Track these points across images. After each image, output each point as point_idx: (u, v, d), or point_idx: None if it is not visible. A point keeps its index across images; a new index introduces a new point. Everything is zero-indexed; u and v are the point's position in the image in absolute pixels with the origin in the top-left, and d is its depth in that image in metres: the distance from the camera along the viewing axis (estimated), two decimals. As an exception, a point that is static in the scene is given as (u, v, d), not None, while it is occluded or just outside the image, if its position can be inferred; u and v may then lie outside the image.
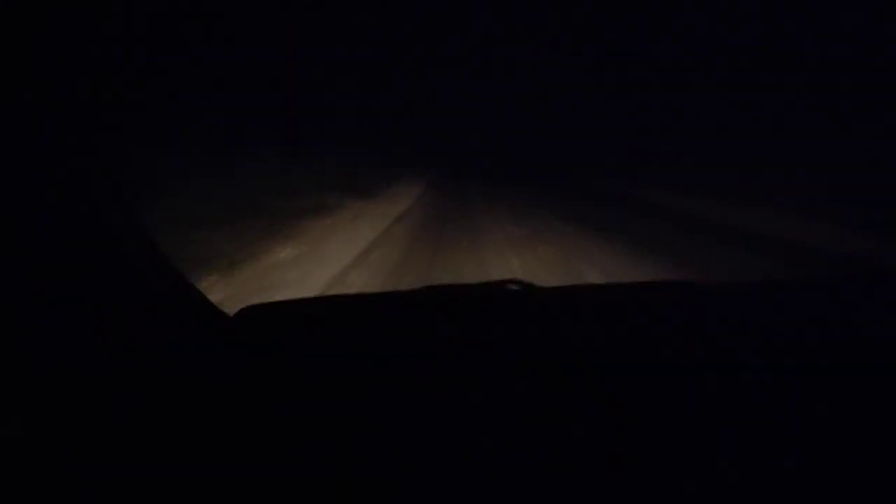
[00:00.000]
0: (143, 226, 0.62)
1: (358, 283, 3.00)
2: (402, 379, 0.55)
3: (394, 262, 3.57)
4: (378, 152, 12.34)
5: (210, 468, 0.43)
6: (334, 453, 0.44)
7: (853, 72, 7.90)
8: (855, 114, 7.58)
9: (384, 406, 0.51)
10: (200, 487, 0.41)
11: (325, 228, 4.79)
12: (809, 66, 8.70)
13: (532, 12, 20.32)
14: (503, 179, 12.38)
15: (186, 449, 0.45)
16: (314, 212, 5.43)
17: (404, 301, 0.85)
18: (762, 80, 9.86)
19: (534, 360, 0.60)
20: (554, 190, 10.02)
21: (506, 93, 22.86)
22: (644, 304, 0.83)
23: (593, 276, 3.13)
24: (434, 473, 0.42)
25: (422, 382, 0.55)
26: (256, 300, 0.78)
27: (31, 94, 0.50)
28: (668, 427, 0.47)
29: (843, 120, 7.72)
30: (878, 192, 5.54)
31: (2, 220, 0.46)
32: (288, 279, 2.97)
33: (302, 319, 0.77)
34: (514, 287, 0.87)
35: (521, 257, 3.65)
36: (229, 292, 2.67)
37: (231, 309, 0.77)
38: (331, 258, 3.61)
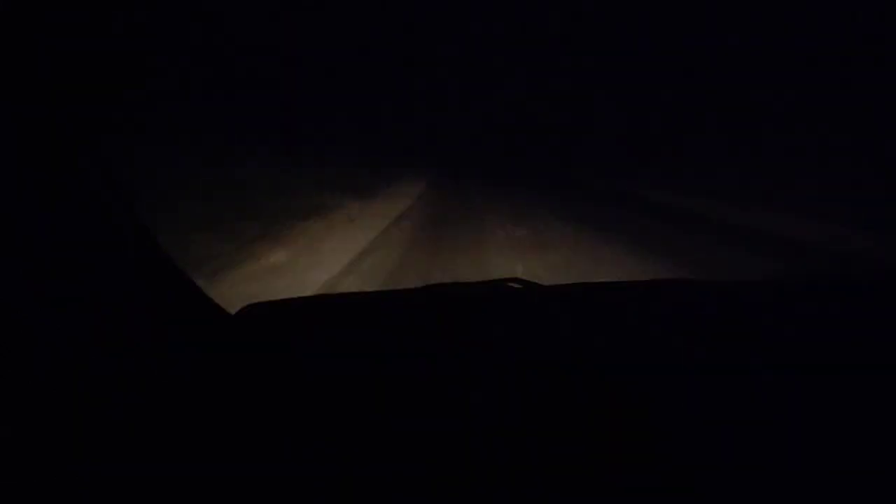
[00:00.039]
0: (143, 224, 0.62)
1: (352, 292, 2.90)
2: (402, 378, 0.55)
3: (390, 266, 3.45)
4: (378, 152, 12.34)
5: (210, 468, 0.43)
6: (334, 453, 0.44)
7: (854, 71, 7.89)
8: (855, 114, 7.57)
9: (384, 406, 0.51)
10: (200, 487, 0.41)
11: (319, 230, 4.63)
12: (810, 66, 8.70)
13: (532, 12, 20.32)
14: (504, 179, 12.35)
15: (186, 449, 0.45)
16: (309, 213, 5.30)
17: (405, 300, 0.85)
18: (762, 79, 9.85)
19: (534, 360, 0.60)
20: (555, 190, 10.01)
21: (506, 92, 22.86)
22: (644, 303, 0.83)
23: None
24: (434, 473, 0.42)
25: (422, 382, 0.55)
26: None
27: (31, 94, 0.50)
28: (668, 427, 0.47)
29: (843, 120, 7.71)
30: (879, 191, 5.54)
31: (2, 220, 0.46)
32: (275, 288, 2.80)
33: (303, 318, 0.77)
34: (516, 285, 0.87)
35: (524, 262, 3.53)
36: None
37: (232, 308, 0.77)
38: (324, 263, 3.46)
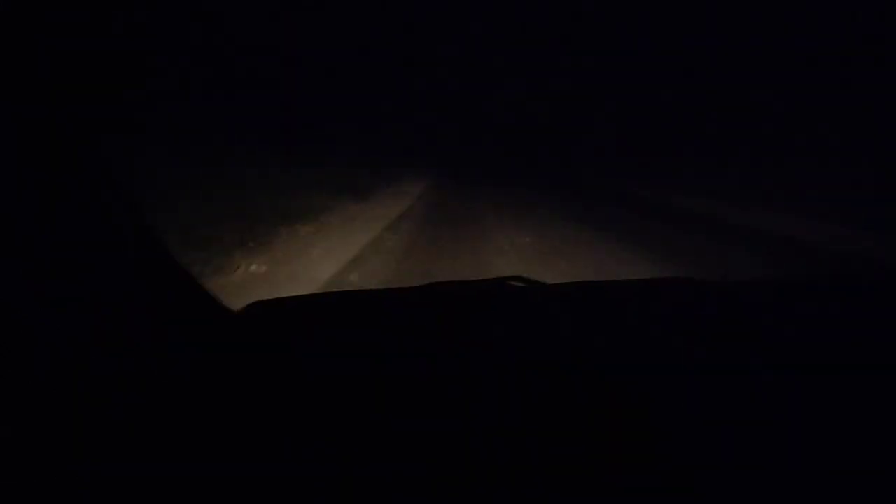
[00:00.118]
0: (144, 223, 0.62)
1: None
2: (402, 378, 0.55)
3: (381, 279, 3.12)
4: (378, 152, 12.34)
5: (210, 468, 0.43)
6: (334, 453, 0.44)
7: (854, 71, 7.90)
8: (855, 114, 7.58)
9: (384, 406, 0.51)
10: (200, 487, 0.41)
11: (308, 235, 4.26)
12: (810, 66, 8.70)
13: (532, 12, 20.32)
14: (504, 179, 12.33)
15: (186, 449, 0.45)
16: (300, 215, 4.94)
17: (407, 298, 0.85)
18: (762, 79, 9.85)
19: (534, 360, 0.60)
20: (556, 190, 10.01)
21: (506, 92, 22.85)
22: (644, 303, 0.83)
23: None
24: (434, 473, 0.42)
25: (422, 382, 0.55)
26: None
27: (31, 94, 0.50)
28: (668, 427, 0.47)
29: (843, 120, 7.71)
30: (879, 191, 5.54)
31: (2, 220, 0.46)
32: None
33: (304, 316, 0.77)
34: (518, 284, 0.87)
35: (531, 273, 3.25)
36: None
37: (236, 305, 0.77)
38: (306, 275, 3.09)
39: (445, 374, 0.56)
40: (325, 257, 3.59)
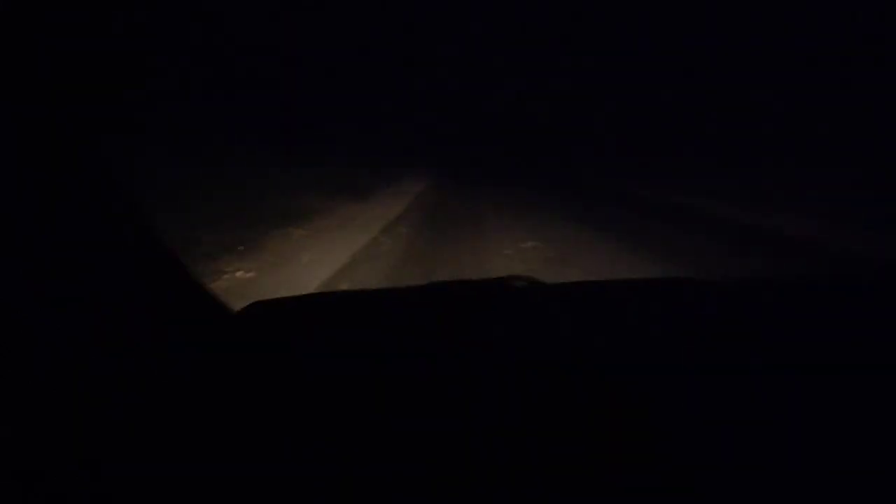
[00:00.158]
0: (144, 223, 0.62)
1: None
2: (402, 378, 0.55)
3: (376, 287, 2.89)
4: (378, 152, 12.35)
5: (210, 468, 0.43)
6: (334, 453, 0.44)
7: (854, 71, 7.90)
8: (855, 114, 7.58)
9: (385, 405, 0.51)
10: (200, 487, 0.41)
11: (299, 239, 4.10)
12: (810, 66, 8.71)
13: (532, 12, 20.33)
14: (504, 179, 12.30)
15: (186, 449, 0.45)
16: (294, 217, 4.78)
17: (407, 298, 0.85)
18: (762, 79, 9.86)
19: (534, 359, 0.60)
20: (557, 190, 10.00)
21: (506, 93, 22.86)
22: (644, 302, 0.83)
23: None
24: (434, 473, 0.42)
25: (423, 381, 0.55)
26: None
27: (31, 94, 0.50)
28: (668, 427, 0.47)
29: (843, 120, 7.72)
30: (879, 191, 5.54)
31: (2, 220, 0.46)
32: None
33: (304, 316, 0.77)
34: (518, 283, 0.87)
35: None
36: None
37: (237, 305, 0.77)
38: (296, 283, 2.96)
39: (445, 374, 0.56)
40: (318, 262, 3.43)
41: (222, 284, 2.92)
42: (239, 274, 3.08)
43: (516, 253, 3.92)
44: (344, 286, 2.97)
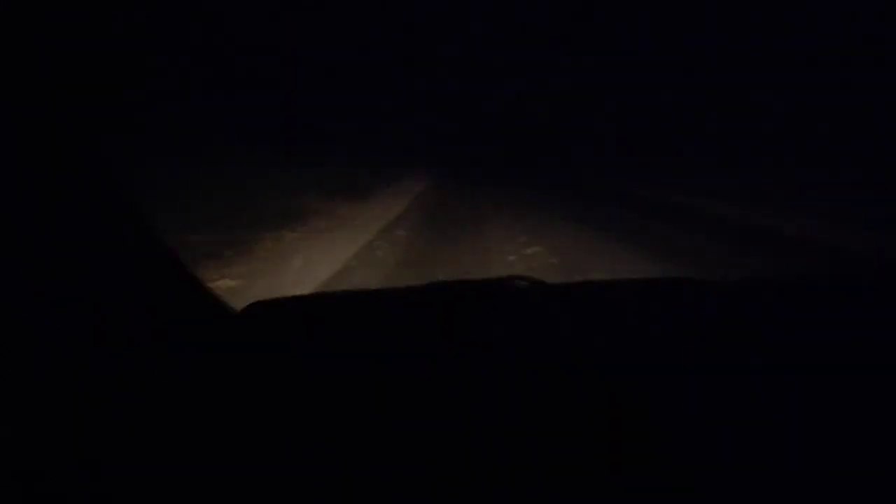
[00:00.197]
0: (146, 223, 0.62)
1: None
2: (402, 378, 0.56)
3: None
4: (378, 152, 12.34)
5: (210, 468, 0.43)
6: (334, 453, 0.44)
7: (854, 71, 7.90)
8: (855, 114, 7.58)
9: (385, 405, 0.51)
10: (200, 487, 0.41)
11: (291, 243, 3.92)
12: (810, 66, 8.70)
13: (532, 12, 20.33)
14: (507, 180, 12.25)
15: (186, 449, 0.45)
16: (289, 219, 4.60)
17: (407, 298, 0.85)
18: (762, 79, 9.86)
19: (534, 360, 0.60)
20: (557, 190, 9.99)
21: (506, 93, 22.85)
22: (644, 302, 0.83)
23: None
24: (434, 473, 0.42)
25: (423, 381, 0.55)
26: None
27: (31, 94, 0.50)
28: (668, 427, 0.47)
29: (843, 120, 7.72)
30: (879, 191, 5.54)
31: (2, 221, 0.46)
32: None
33: (305, 316, 0.77)
34: (519, 283, 0.87)
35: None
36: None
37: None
38: (283, 293, 2.79)
39: (445, 374, 0.56)
40: (309, 269, 3.24)
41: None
42: (222, 283, 2.90)
43: (519, 259, 3.77)
44: (346, 288, 2.88)
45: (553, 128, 20.55)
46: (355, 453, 0.44)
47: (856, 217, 5.01)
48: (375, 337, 0.68)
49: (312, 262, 3.51)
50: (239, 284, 2.91)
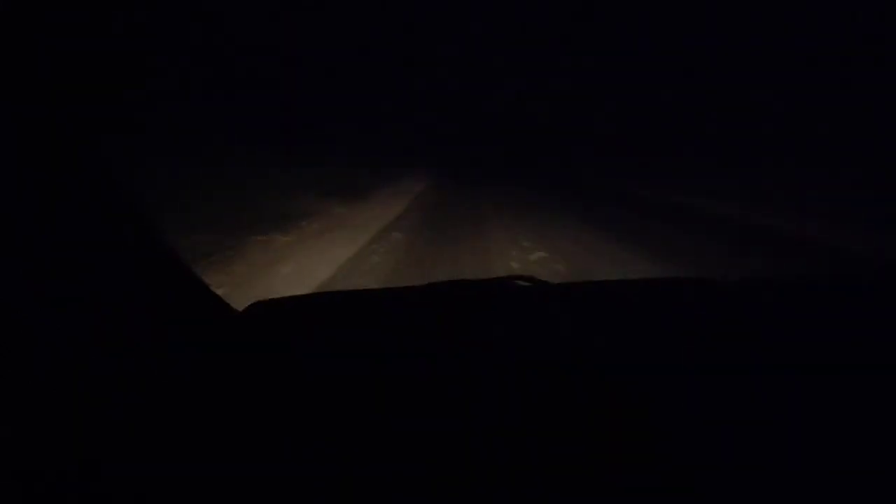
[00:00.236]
0: (147, 223, 0.62)
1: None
2: (402, 378, 0.55)
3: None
4: (378, 152, 12.34)
5: (210, 468, 0.43)
6: (334, 453, 0.44)
7: (854, 71, 7.90)
8: (855, 114, 7.57)
9: (385, 405, 0.51)
10: (200, 487, 0.41)
11: (281, 247, 3.79)
12: (810, 66, 8.70)
13: (532, 12, 20.33)
14: (508, 180, 12.23)
15: (186, 449, 0.45)
16: (276, 222, 4.44)
17: (407, 298, 0.85)
18: (762, 79, 9.85)
19: (534, 360, 0.60)
20: (557, 190, 9.98)
21: (506, 93, 22.85)
22: (645, 302, 0.83)
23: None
24: (434, 473, 0.42)
25: (422, 381, 0.55)
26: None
27: (31, 94, 0.50)
28: (668, 427, 0.47)
29: (843, 120, 7.71)
30: (879, 191, 5.54)
31: (2, 221, 0.46)
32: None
33: (306, 316, 0.77)
34: (519, 283, 0.87)
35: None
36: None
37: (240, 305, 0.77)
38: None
39: (445, 374, 0.56)
40: (298, 276, 3.10)
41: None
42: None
43: (522, 269, 3.54)
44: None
45: (553, 128, 20.55)
46: (355, 453, 0.44)
47: (856, 217, 5.01)
48: (376, 337, 0.68)
49: (308, 264, 3.40)
50: (228, 291, 2.77)
